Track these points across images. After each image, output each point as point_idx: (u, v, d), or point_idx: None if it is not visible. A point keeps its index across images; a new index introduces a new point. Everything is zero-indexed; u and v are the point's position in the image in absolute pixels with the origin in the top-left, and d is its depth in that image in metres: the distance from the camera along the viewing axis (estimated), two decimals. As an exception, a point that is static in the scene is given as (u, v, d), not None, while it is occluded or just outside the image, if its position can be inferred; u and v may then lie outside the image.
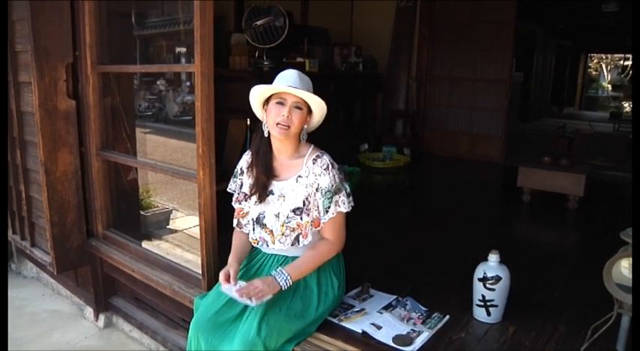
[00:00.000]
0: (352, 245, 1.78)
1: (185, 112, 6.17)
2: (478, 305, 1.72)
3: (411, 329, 1.65)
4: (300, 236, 1.65)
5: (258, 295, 1.49)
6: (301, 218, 1.64)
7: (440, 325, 1.70)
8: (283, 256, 1.72)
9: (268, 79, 1.68)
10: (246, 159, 1.77)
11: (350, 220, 1.71)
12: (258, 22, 3.70)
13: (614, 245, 1.50)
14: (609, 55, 18.37)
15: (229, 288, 1.53)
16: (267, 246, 1.71)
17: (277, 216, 1.67)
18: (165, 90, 6.55)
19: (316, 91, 1.63)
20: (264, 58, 3.81)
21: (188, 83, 6.16)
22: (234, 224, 1.79)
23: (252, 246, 1.78)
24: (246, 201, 1.74)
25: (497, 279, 1.67)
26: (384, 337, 1.60)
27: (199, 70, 1.70)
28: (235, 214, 1.78)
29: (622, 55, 16.93)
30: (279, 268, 1.60)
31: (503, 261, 1.70)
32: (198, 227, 1.88)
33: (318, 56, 4.46)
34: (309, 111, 1.64)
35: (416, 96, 5.32)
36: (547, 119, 11.40)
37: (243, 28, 3.75)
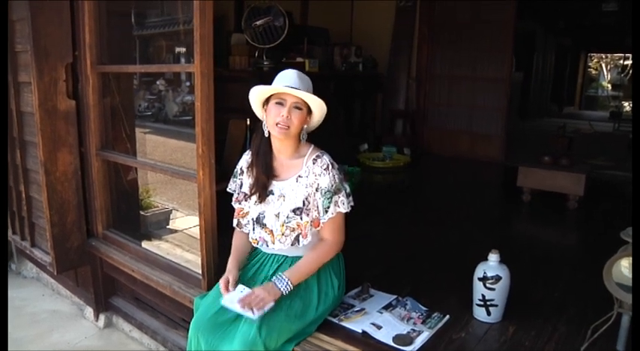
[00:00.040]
0: (352, 245, 1.78)
1: (185, 112, 6.18)
2: (478, 305, 1.72)
3: (411, 329, 1.65)
4: (300, 236, 1.65)
5: (260, 304, 1.48)
6: (301, 218, 1.64)
7: (440, 324, 1.70)
8: (283, 256, 1.72)
9: (268, 79, 1.68)
10: (246, 159, 1.77)
11: (350, 219, 1.71)
12: (258, 22, 3.70)
13: (614, 245, 1.50)
14: (609, 55, 18.36)
15: (230, 300, 1.53)
16: (267, 246, 1.71)
17: (277, 216, 1.67)
18: (165, 90, 6.56)
19: (316, 91, 1.63)
20: (264, 58, 3.80)
21: (188, 83, 6.17)
22: (234, 224, 1.79)
23: (252, 246, 1.78)
24: (246, 201, 1.74)
25: (498, 278, 1.66)
26: (384, 336, 1.60)
27: (199, 70, 1.70)
28: (235, 214, 1.78)
29: (622, 55, 16.94)
30: (279, 273, 1.60)
31: (503, 260, 1.70)
32: (198, 227, 1.88)
33: (318, 56, 4.46)
34: (309, 111, 1.64)
35: (416, 95, 5.32)
36: (547, 118, 11.39)
37: (243, 28, 3.75)
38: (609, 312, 1.49)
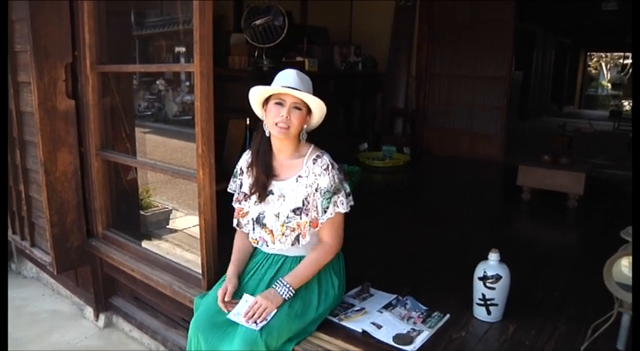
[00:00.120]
0: (352, 244, 1.78)
1: (184, 112, 6.18)
2: (478, 304, 1.72)
3: (412, 328, 1.65)
4: (300, 236, 1.65)
5: (263, 314, 1.49)
6: (301, 218, 1.64)
7: (440, 324, 1.70)
8: (283, 256, 1.72)
9: (268, 79, 1.67)
10: (246, 159, 1.77)
11: (349, 219, 1.71)
12: (258, 22, 3.70)
13: (614, 244, 1.50)
14: (609, 54, 18.35)
15: (236, 313, 1.53)
16: (267, 246, 1.70)
17: (277, 216, 1.67)
18: (165, 90, 6.56)
19: (316, 91, 1.63)
20: (264, 57, 3.80)
21: (187, 83, 6.17)
22: (235, 224, 1.79)
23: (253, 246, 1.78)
24: (246, 201, 1.74)
25: (498, 278, 1.66)
26: (385, 336, 1.60)
27: (199, 70, 1.69)
28: (235, 213, 1.78)
29: (622, 54, 16.92)
30: (280, 278, 1.60)
31: (503, 260, 1.70)
32: (198, 227, 1.87)
33: (318, 55, 4.46)
34: (309, 111, 1.64)
35: (415, 95, 5.32)
36: (547, 117, 11.39)
37: (243, 27, 3.74)
38: (609, 311, 1.49)
